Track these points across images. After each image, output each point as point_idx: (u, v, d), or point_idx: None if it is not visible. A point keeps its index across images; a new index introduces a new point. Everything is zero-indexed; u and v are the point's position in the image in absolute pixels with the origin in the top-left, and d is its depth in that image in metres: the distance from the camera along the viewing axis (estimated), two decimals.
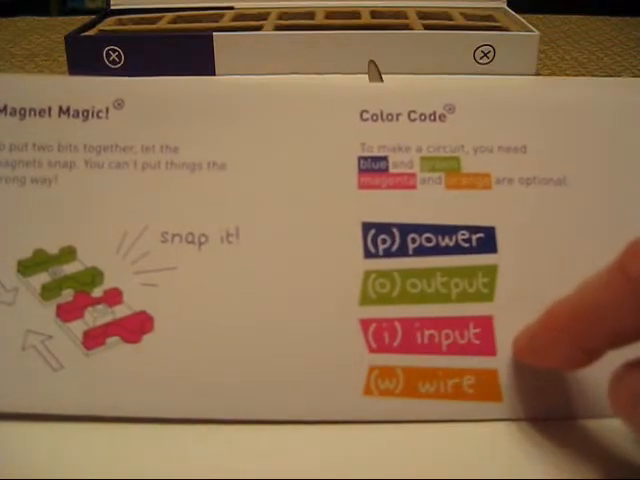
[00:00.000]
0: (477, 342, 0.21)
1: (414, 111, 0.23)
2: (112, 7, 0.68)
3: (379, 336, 0.21)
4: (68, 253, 0.21)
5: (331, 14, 0.65)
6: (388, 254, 0.22)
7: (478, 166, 0.22)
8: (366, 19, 0.64)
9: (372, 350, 0.21)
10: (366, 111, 0.23)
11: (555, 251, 0.22)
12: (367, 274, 0.21)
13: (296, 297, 0.21)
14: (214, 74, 0.57)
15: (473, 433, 0.21)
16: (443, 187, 0.22)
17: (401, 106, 0.23)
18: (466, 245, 0.22)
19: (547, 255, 0.22)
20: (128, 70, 0.56)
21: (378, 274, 0.21)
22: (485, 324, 0.21)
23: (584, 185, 0.22)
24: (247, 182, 0.22)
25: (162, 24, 0.63)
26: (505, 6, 0.69)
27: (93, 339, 0.21)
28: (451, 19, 0.65)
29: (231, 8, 0.68)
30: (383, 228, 0.22)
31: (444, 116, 0.23)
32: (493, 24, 0.64)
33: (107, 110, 0.22)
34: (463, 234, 0.22)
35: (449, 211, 0.22)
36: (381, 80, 0.32)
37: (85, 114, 0.22)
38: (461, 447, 0.20)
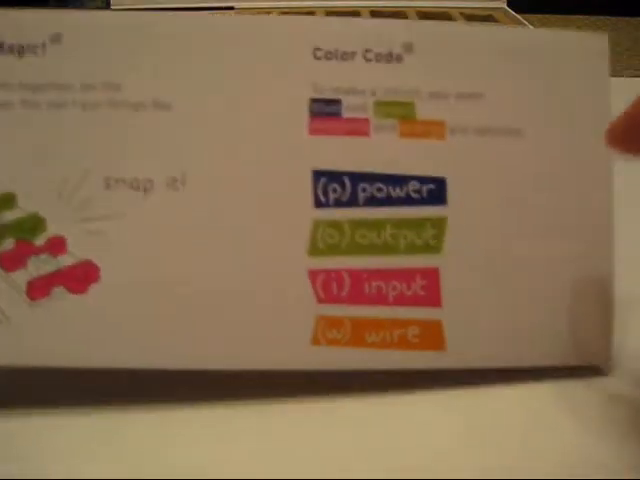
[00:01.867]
0: (423, 293, 0.21)
1: (370, 50, 0.21)
2: (112, 7, 0.64)
3: (327, 286, 0.21)
4: (7, 200, 0.21)
5: (331, 13, 0.63)
6: (338, 204, 0.21)
7: (433, 113, 0.22)
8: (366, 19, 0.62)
9: (320, 300, 0.21)
10: (319, 49, 0.21)
11: (507, 205, 0.22)
12: (316, 224, 0.21)
13: (243, 246, 0.21)
14: None
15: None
16: (397, 135, 0.21)
17: (357, 44, 0.21)
18: (416, 196, 0.21)
19: (498, 209, 0.22)
20: None
21: (327, 224, 0.21)
22: (431, 276, 0.22)
23: (540, 137, 0.22)
24: (193, 124, 0.21)
25: None
26: (505, 6, 0.67)
27: (37, 289, 0.20)
28: (451, 19, 0.63)
29: (231, 8, 0.65)
30: (334, 177, 0.21)
31: (401, 57, 0.22)
32: (493, 24, 0.62)
33: (44, 45, 0.21)
34: (414, 185, 0.21)
35: (401, 160, 0.21)
36: None
37: (20, 50, 0.21)
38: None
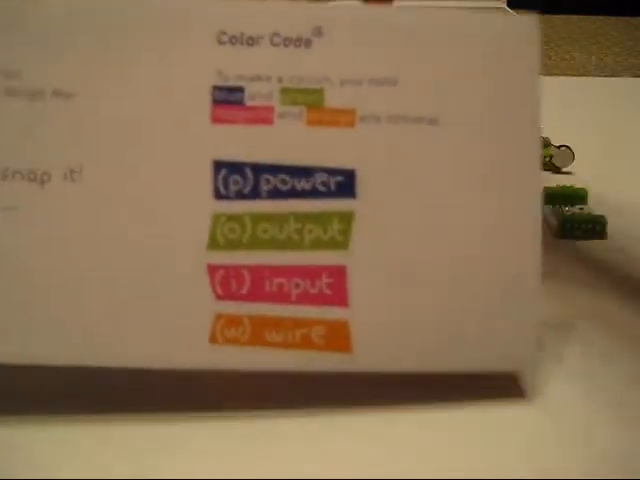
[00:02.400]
0: (329, 292, 0.20)
1: (278, 34, 0.20)
2: None
3: (226, 283, 0.20)
4: None
5: None
6: (239, 196, 0.20)
7: (343, 100, 0.20)
8: None
9: (219, 297, 0.20)
10: (224, 32, 0.20)
11: (421, 199, 0.20)
12: (216, 217, 0.20)
13: (141, 240, 0.20)
14: None
15: None
16: (303, 123, 0.20)
17: (264, 28, 0.20)
18: (323, 189, 0.20)
19: (411, 203, 0.20)
20: None
21: (228, 217, 0.20)
22: (338, 274, 0.20)
23: (459, 127, 0.20)
24: (93, 113, 0.20)
25: None
26: (505, 6, 0.66)
27: None
28: None
29: None
30: (235, 168, 0.20)
31: (310, 41, 0.20)
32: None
33: None
34: (321, 176, 0.20)
35: (308, 151, 0.20)
36: None
37: None
38: None
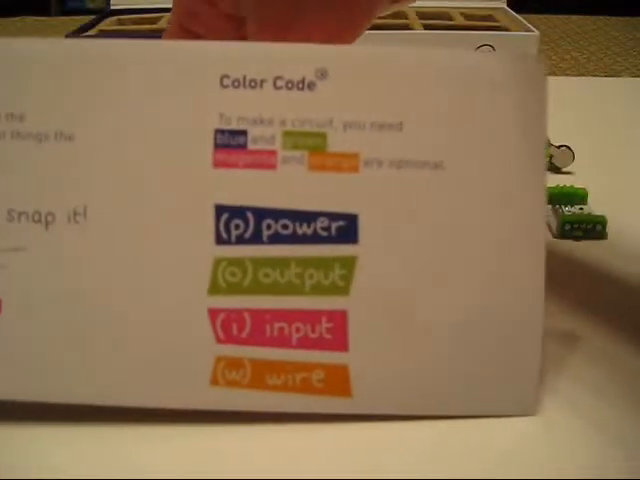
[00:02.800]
0: (329, 337, 0.20)
1: (281, 77, 0.20)
2: (112, 7, 0.65)
3: (227, 326, 0.20)
4: None
5: None
6: (241, 241, 0.20)
7: (346, 144, 0.20)
8: None
9: (220, 340, 0.20)
10: (227, 76, 0.20)
11: (424, 245, 0.20)
12: (217, 261, 0.20)
13: (143, 283, 0.20)
14: None
15: None
16: (305, 168, 0.20)
17: (267, 71, 0.20)
18: (325, 234, 0.20)
19: (414, 248, 0.20)
20: None
21: (229, 262, 0.20)
22: (338, 318, 0.20)
23: (461, 170, 0.20)
24: (96, 155, 0.20)
25: (162, 24, 0.60)
26: (505, 6, 0.66)
27: None
28: (451, 19, 0.62)
29: None
30: (237, 212, 0.20)
31: (314, 84, 0.20)
32: (493, 24, 0.61)
33: None
34: (322, 221, 0.20)
35: (309, 195, 0.20)
36: None
37: None
38: None
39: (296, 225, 0.20)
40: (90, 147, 0.20)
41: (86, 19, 0.64)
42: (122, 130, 0.20)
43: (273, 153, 0.20)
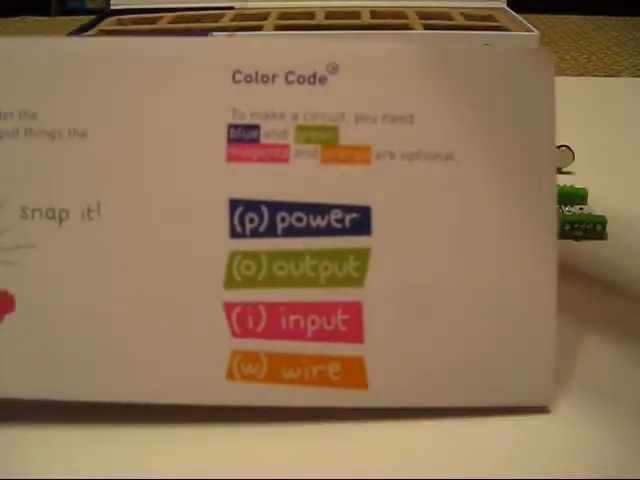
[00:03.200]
0: (344, 329, 0.20)
1: (292, 72, 0.20)
2: (112, 7, 0.65)
3: (243, 320, 0.20)
4: None
5: (331, 14, 0.62)
6: (255, 234, 0.20)
7: (358, 137, 0.20)
8: (366, 19, 0.61)
9: (235, 335, 0.20)
10: (239, 72, 0.20)
11: (436, 235, 0.21)
12: (232, 255, 0.20)
13: (158, 278, 0.20)
14: None
15: None
16: (318, 161, 0.20)
17: (279, 66, 0.20)
18: (339, 226, 0.20)
19: (427, 239, 0.21)
20: None
21: (244, 255, 0.20)
22: (354, 310, 0.20)
23: (472, 162, 0.20)
24: (109, 151, 0.20)
25: (162, 24, 0.60)
26: (505, 6, 0.65)
27: None
28: (451, 19, 0.62)
29: (231, 8, 0.65)
30: (251, 206, 0.20)
31: (325, 78, 0.20)
32: (493, 24, 0.61)
33: None
34: (336, 214, 0.20)
35: (323, 188, 0.20)
36: None
37: None
38: None
39: (310, 218, 0.20)
40: (103, 144, 0.20)
41: (86, 19, 0.63)
42: (135, 126, 0.20)
43: (286, 147, 0.20)
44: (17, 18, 0.78)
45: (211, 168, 0.20)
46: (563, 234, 0.32)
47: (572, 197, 0.34)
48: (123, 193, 0.20)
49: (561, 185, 0.34)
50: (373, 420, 0.21)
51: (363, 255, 0.20)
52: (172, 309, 0.20)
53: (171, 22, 0.63)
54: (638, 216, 0.34)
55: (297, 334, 0.20)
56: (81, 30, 0.60)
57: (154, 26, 0.62)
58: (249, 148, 0.20)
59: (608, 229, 0.32)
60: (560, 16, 0.76)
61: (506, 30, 0.60)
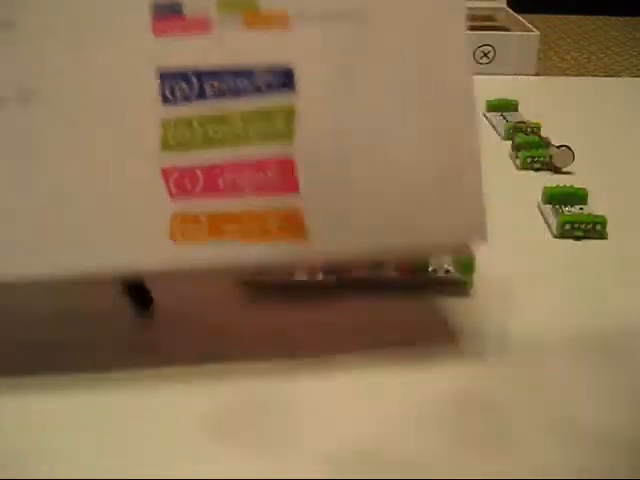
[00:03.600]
0: (279, 182, 0.21)
1: None
2: None
3: (181, 184, 0.21)
4: None
5: None
6: (186, 101, 0.21)
7: (277, 2, 0.21)
8: None
9: (174, 197, 0.21)
10: None
11: (354, 90, 0.21)
12: (166, 122, 0.21)
13: (95, 153, 0.21)
14: None
15: None
16: (241, 28, 0.21)
17: None
18: (264, 86, 0.21)
19: (346, 94, 0.21)
20: None
21: (177, 121, 0.21)
22: (286, 164, 0.21)
23: (385, 21, 0.21)
24: (39, 38, 0.21)
25: None
26: (505, 6, 0.68)
27: None
28: None
29: None
30: (180, 76, 0.21)
31: None
32: (493, 24, 0.63)
33: None
34: (261, 75, 0.21)
35: (247, 53, 0.21)
36: None
37: None
38: None
39: (237, 81, 0.21)
40: (32, 31, 0.22)
41: None
42: (63, 12, 0.22)
43: (209, 18, 0.21)
44: None
45: (139, 43, 0.21)
46: (563, 234, 0.32)
47: (572, 197, 0.34)
48: (58, 76, 0.21)
49: (561, 185, 0.34)
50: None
51: (289, 112, 0.21)
52: (112, 180, 0.21)
53: None
54: (638, 216, 0.34)
55: (235, 192, 0.20)
56: None
57: None
58: (174, 21, 0.21)
59: (608, 229, 0.32)
60: (560, 16, 0.76)
61: (506, 30, 0.61)
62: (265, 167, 0.21)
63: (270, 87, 0.21)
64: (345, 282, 0.27)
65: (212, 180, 0.21)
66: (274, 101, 0.21)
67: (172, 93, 0.21)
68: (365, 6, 0.21)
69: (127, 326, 0.25)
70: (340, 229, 0.21)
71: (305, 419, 0.20)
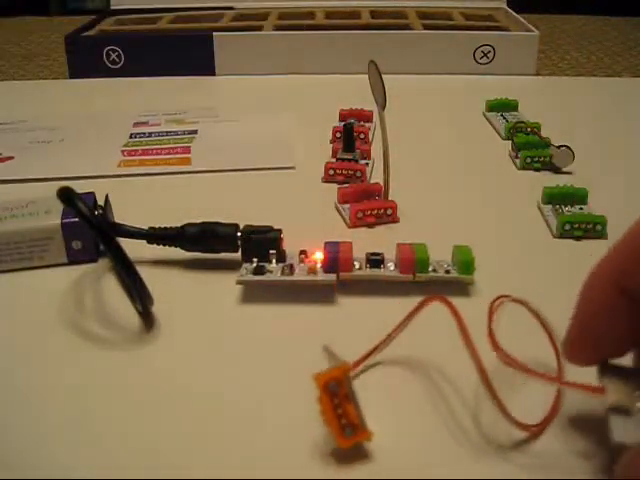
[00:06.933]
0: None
1: None
2: (112, 7, 0.69)
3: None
4: None
5: (331, 14, 0.65)
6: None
7: None
8: (366, 19, 0.63)
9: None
10: None
11: None
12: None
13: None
14: (214, 74, 0.58)
15: None
16: None
17: None
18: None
19: None
20: (128, 70, 0.57)
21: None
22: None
23: None
24: None
25: (162, 24, 0.64)
26: (505, 6, 0.68)
27: None
28: (451, 19, 0.64)
29: (231, 8, 0.68)
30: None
31: None
32: (493, 24, 0.63)
33: None
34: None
35: None
36: (381, 80, 0.31)
37: None
38: None
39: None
40: None
41: (86, 19, 0.66)
42: None
43: None
44: (17, 18, 0.80)
45: None
46: (563, 234, 0.31)
47: (572, 197, 0.34)
48: None
49: (561, 185, 0.34)
50: None
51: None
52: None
53: (171, 22, 0.65)
54: (638, 216, 0.33)
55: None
56: (81, 30, 0.62)
57: (154, 26, 0.64)
58: None
59: (608, 229, 0.31)
60: (560, 16, 0.77)
61: (506, 30, 0.61)
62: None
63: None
64: (345, 281, 0.27)
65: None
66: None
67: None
68: None
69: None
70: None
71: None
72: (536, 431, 0.20)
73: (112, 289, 0.27)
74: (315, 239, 0.28)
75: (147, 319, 0.25)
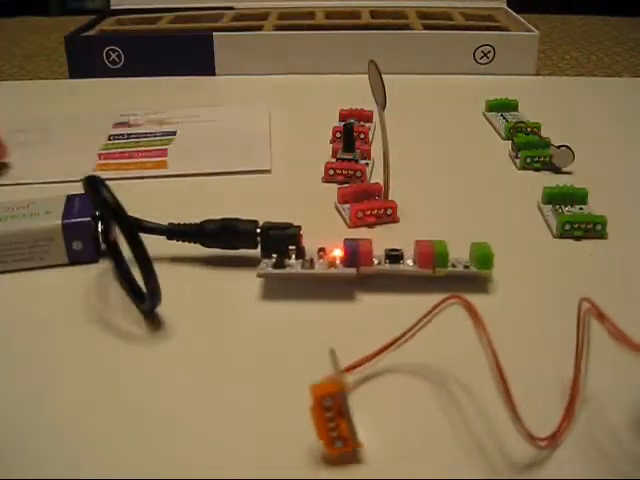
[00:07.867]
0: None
1: None
2: (112, 7, 0.70)
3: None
4: None
5: (331, 14, 0.65)
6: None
7: None
8: (366, 19, 0.63)
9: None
10: None
11: None
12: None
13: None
14: (214, 74, 0.58)
15: None
16: None
17: None
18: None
19: None
20: (128, 70, 0.57)
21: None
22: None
23: None
24: None
25: (162, 24, 0.64)
26: (505, 6, 0.68)
27: None
28: (451, 19, 0.64)
29: (231, 8, 0.68)
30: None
31: None
32: (493, 24, 0.63)
33: None
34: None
35: None
36: (381, 80, 0.31)
37: None
38: None
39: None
40: None
41: (86, 19, 0.66)
42: None
43: None
44: (17, 18, 0.80)
45: None
46: (563, 234, 0.32)
47: (572, 197, 0.34)
48: None
49: (561, 185, 0.34)
50: None
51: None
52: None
53: (171, 22, 0.65)
54: (638, 216, 0.34)
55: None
56: (81, 30, 0.62)
57: (154, 26, 0.64)
58: None
59: (608, 229, 0.32)
60: (560, 16, 0.76)
61: (506, 30, 0.61)
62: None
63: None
64: (365, 275, 0.27)
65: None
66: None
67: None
68: None
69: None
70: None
71: None
72: (547, 444, 0.19)
73: (113, 290, 0.27)
74: (315, 239, 0.28)
75: (152, 319, 0.25)
